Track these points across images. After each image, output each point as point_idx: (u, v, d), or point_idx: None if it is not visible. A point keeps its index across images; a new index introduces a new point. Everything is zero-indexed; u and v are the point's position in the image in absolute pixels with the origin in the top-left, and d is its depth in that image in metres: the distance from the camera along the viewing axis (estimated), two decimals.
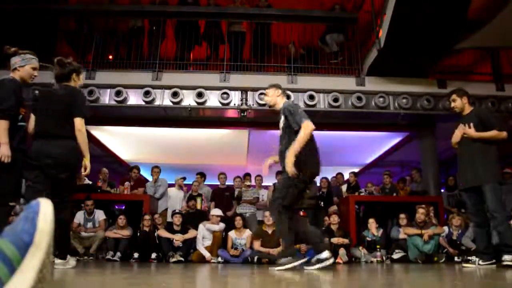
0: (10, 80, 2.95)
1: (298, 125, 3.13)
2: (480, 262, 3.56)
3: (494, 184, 3.47)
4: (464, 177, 3.72)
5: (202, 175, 7.05)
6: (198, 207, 6.43)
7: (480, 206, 3.60)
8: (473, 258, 3.77)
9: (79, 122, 2.95)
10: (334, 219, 5.65)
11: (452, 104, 3.87)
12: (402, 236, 5.49)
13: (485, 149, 3.60)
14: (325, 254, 3.12)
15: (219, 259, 5.34)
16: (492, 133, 3.58)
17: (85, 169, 3.07)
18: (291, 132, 3.21)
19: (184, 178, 6.97)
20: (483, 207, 3.57)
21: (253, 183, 6.92)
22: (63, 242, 2.99)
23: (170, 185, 6.88)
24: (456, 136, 3.77)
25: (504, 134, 3.58)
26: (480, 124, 3.65)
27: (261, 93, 6.32)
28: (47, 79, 3.86)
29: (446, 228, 5.66)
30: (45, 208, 0.76)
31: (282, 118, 3.32)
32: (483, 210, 3.57)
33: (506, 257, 3.33)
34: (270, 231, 5.50)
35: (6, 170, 2.81)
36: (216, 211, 5.75)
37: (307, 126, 3.09)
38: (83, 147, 2.97)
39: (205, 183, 7.28)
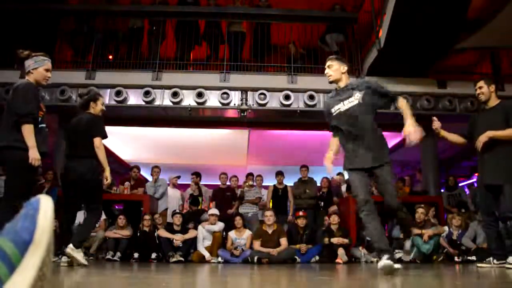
0: (26, 84, 2.98)
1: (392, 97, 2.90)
2: (495, 262, 3.43)
3: None
4: (485, 175, 3.48)
5: (197, 175, 7.04)
6: (200, 207, 6.44)
7: (493, 204, 3.46)
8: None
9: (98, 141, 3.46)
10: (334, 219, 5.64)
11: (478, 91, 3.57)
12: (402, 235, 5.49)
13: (508, 147, 3.34)
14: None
15: (219, 259, 5.33)
16: None
17: (106, 179, 3.55)
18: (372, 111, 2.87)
19: (179, 177, 6.96)
20: (494, 206, 3.46)
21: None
22: (82, 237, 3.49)
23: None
24: (481, 143, 3.37)
25: None
26: (506, 119, 3.35)
27: (261, 93, 6.33)
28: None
29: (446, 228, 5.66)
30: (46, 205, 0.75)
31: (361, 93, 2.83)
32: (495, 209, 3.47)
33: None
34: (270, 231, 5.48)
35: (25, 172, 2.83)
36: (213, 211, 5.74)
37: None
38: (103, 162, 3.48)
39: (205, 183, 7.27)
